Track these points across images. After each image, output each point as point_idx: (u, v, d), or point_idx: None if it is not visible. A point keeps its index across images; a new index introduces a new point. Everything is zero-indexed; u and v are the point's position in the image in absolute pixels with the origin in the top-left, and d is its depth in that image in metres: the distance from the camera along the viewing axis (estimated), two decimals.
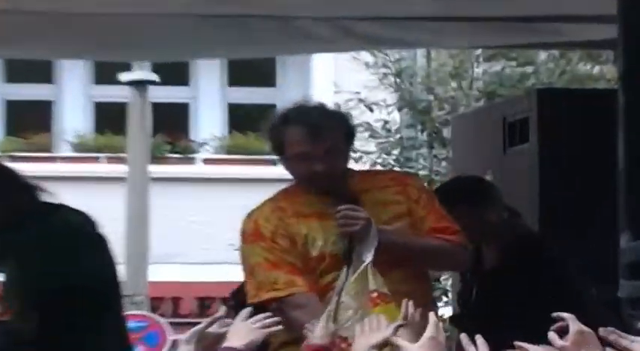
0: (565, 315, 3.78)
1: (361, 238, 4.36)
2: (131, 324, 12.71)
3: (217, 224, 14.53)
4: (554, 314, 3.78)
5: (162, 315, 14.16)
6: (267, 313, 4.14)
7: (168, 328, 12.81)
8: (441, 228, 4.57)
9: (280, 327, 4.13)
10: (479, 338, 3.63)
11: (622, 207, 4.37)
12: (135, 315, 12.99)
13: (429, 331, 3.78)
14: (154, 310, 14.04)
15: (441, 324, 3.85)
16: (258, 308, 4.27)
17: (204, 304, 15.26)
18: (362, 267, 4.30)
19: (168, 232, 14.58)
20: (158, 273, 13.79)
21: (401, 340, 3.86)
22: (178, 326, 13.53)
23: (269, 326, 4.11)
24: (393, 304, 4.17)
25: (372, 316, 4.04)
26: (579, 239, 5.16)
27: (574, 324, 3.74)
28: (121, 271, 13.75)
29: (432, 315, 3.86)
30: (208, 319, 4.18)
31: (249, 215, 4.59)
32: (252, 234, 4.55)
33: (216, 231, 14.44)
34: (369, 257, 4.32)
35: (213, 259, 14.62)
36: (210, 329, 4.12)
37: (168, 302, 15.24)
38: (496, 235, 5.24)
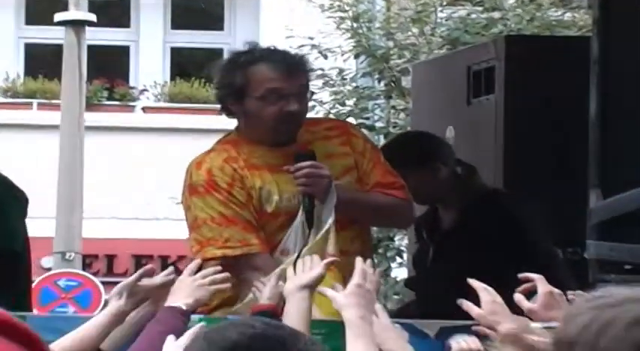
0: (533, 276, 3.81)
1: (323, 197, 4.37)
2: (62, 283, 12.78)
3: (157, 177, 14.51)
4: (521, 275, 3.81)
5: (95, 273, 14.17)
6: (217, 268, 4.14)
7: (101, 288, 12.82)
8: (387, 183, 4.58)
9: (229, 284, 4.13)
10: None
11: (592, 162, 4.40)
12: (67, 273, 13.01)
13: (355, 279, 3.83)
14: (86, 268, 14.03)
15: (370, 272, 3.89)
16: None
17: (141, 262, 15.23)
18: (326, 227, 4.32)
19: (104, 185, 14.55)
20: (92, 229, 13.77)
21: (328, 290, 3.90)
22: (112, 285, 13.56)
23: (219, 283, 4.11)
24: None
25: (306, 258, 4.08)
26: (545, 196, 5.18)
27: (543, 285, 3.78)
28: (53, 226, 13.79)
29: (358, 261, 3.90)
30: (138, 272, 4.18)
31: (198, 165, 4.52)
32: (204, 185, 4.48)
33: (156, 185, 14.42)
34: (330, 217, 4.33)
35: (151, 214, 14.62)
36: (142, 282, 4.13)
37: (103, 260, 15.23)
38: (451, 193, 5.25)
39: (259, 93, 4.46)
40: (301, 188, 4.38)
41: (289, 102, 4.44)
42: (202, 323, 3.71)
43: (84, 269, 13.61)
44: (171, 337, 3.75)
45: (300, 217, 4.38)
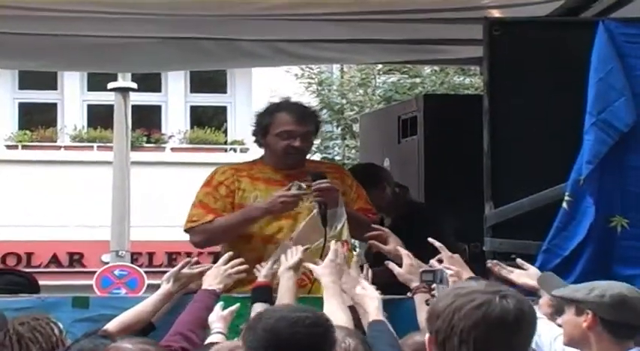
0: (436, 243, 3.86)
1: (334, 205, 4.35)
2: (117, 272, 12.67)
3: (182, 196, 14.43)
4: (430, 240, 3.86)
5: (140, 265, 14.07)
6: (241, 259, 4.11)
7: (144, 276, 12.73)
8: (366, 209, 4.61)
9: (245, 273, 4.09)
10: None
11: (486, 184, 4.38)
12: (120, 265, 12.90)
13: (329, 256, 3.83)
14: (134, 261, 13.95)
15: (340, 250, 3.88)
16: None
17: (172, 257, 15.17)
18: (341, 224, 4.27)
19: (145, 203, 14.49)
20: (137, 234, 13.69)
21: (311, 265, 3.90)
22: (152, 274, 13.45)
23: (242, 272, 4.08)
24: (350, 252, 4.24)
25: (292, 248, 4.05)
26: (455, 208, 5.16)
27: (445, 252, 3.82)
28: (109, 232, 13.63)
29: (332, 243, 3.90)
30: (181, 263, 4.13)
31: (214, 170, 4.63)
32: (206, 182, 4.58)
33: (181, 201, 14.34)
34: (343, 217, 4.30)
35: (178, 223, 14.50)
36: (184, 271, 4.08)
37: (145, 256, 15.14)
38: (391, 205, 5.24)
39: (276, 132, 4.49)
40: (318, 198, 4.34)
41: (296, 140, 4.46)
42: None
43: (132, 262, 13.52)
44: (218, 306, 3.75)
45: (313, 218, 4.31)
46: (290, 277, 3.93)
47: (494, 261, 4.00)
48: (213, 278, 4.02)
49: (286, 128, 4.46)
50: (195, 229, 4.48)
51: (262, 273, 4.06)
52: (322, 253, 4.10)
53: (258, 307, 3.75)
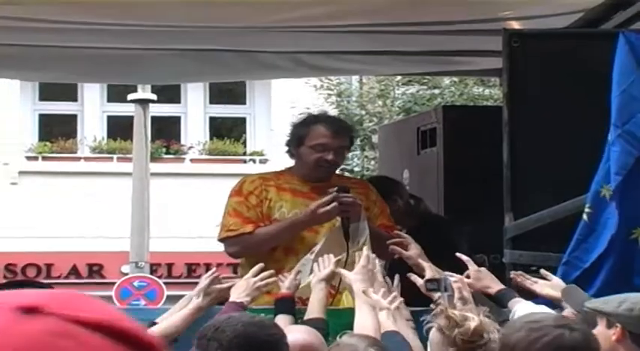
0: (463, 257, 3.83)
1: (356, 220, 4.36)
2: (136, 283, 12.71)
3: (201, 208, 14.47)
4: (457, 254, 3.85)
5: (159, 277, 14.10)
6: (271, 271, 4.10)
7: (164, 287, 12.76)
8: (388, 225, 4.60)
9: (272, 286, 4.10)
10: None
11: (506, 195, 4.38)
12: (139, 277, 12.94)
13: (361, 262, 3.83)
14: (153, 272, 13.98)
15: (372, 257, 3.89)
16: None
17: (191, 268, 15.19)
18: (364, 237, 4.28)
19: (164, 214, 14.52)
20: (156, 245, 13.72)
21: (343, 270, 3.90)
22: (171, 285, 13.48)
23: (270, 284, 4.07)
24: None
25: (324, 257, 4.05)
26: (475, 219, 5.16)
27: (471, 265, 3.80)
28: (129, 243, 13.70)
29: (365, 250, 3.91)
30: (209, 277, 4.08)
31: (240, 180, 4.63)
32: (235, 190, 4.58)
33: (200, 213, 14.38)
34: (366, 230, 4.31)
35: (197, 234, 14.56)
36: (214, 285, 4.06)
37: (164, 267, 15.17)
38: (405, 217, 5.23)
39: (311, 143, 4.50)
40: (343, 213, 4.34)
41: (329, 153, 4.46)
42: None
43: (151, 273, 13.56)
44: None
45: (335, 232, 4.31)
46: (322, 288, 3.93)
47: (519, 272, 4.00)
48: (241, 291, 4.01)
49: (321, 141, 4.46)
50: (233, 239, 4.46)
51: (285, 284, 4.07)
52: (344, 267, 4.10)
53: (281, 319, 3.75)
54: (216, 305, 4.05)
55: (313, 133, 4.48)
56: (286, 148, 4.66)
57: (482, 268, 3.90)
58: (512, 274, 3.92)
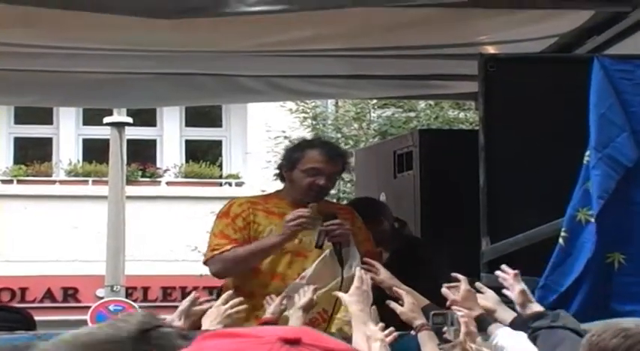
0: (459, 276, 3.83)
1: (347, 244, 4.36)
2: (112, 307, 12.63)
3: (177, 231, 14.42)
4: (453, 274, 3.85)
5: (135, 300, 14.02)
6: (240, 298, 4.07)
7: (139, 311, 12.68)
8: (373, 251, 4.61)
9: (244, 313, 4.06)
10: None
11: (482, 219, 4.38)
12: (115, 300, 12.86)
13: (355, 283, 3.82)
14: (128, 296, 13.90)
15: (365, 277, 3.88)
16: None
17: (167, 292, 15.12)
18: (355, 264, 4.26)
19: (140, 237, 14.46)
20: (132, 268, 13.65)
21: (339, 293, 3.89)
22: (147, 308, 13.40)
23: (240, 312, 4.02)
24: None
25: (304, 287, 4.04)
26: (451, 243, 5.16)
27: (465, 284, 3.80)
28: (104, 266, 13.59)
29: (358, 270, 3.90)
30: (190, 299, 4.02)
31: (228, 202, 4.63)
32: (222, 212, 4.58)
33: (177, 236, 14.33)
34: (357, 258, 4.30)
35: (174, 257, 14.51)
36: (195, 308, 4.01)
37: (140, 290, 15.08)
38: (388, 241, 5.24)
39: (305, 167, 4.48)
40: (334, 239, 4.34)
41: (322, 178, 4.45)
42: None
43: (127, 297, 13.48)
44: None
45: (328, 257, 4.31)
46: (299, 317, 3.91)
47: (450, 284, 4.02)
48: (213, 318, 3.98)
49: (315, 165, 4.46)
50: (215, 258, 4.45)
51: (270, 310, 4.05)
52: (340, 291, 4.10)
53: None
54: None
55: (307, 157, 4.48)
56: (276, 171, 4.66)
57: (473, 290, 3.91)
58: (444, 287, 3.94)
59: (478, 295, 3.87)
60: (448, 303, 3.79)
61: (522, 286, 3.75)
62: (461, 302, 3.78)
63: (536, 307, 3.68)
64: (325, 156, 4.47)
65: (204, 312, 4.02)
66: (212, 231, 4.55)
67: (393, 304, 3.90)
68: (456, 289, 3.86)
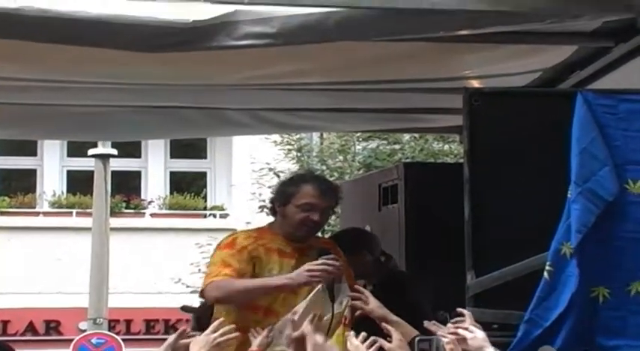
0: (464, 311, 3.84)
1: (338, 280, 4.36)
2: (94, 340, 12.54)
3: (161, 263, 14.37)
4: (459, 310, 3.86)
5: (117, 333, 13.93)
6: (232, 326, 4.04)
7: (122, 344, 12.60)
8: (355, 285, 4.59)
9: (233, 341, 4.03)
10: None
11: (467, 253, 4.38)
12: (97, 333, 12.77)
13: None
14: (111, 329, 13.81)
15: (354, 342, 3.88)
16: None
17: (150, 325, 15.04)
18: (345, 302, 4.30)
19: (124, 269, 14.40)
20: (115, 301, 13.57)
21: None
22: (130, 341, 13.31)
23: (231, 340, 3.99)
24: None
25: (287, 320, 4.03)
26: (437, 276, 5.17)
27: (469, 318, 3.81)
28: (87, 299, 13.55)
29: (348, 336, 3.89)
30: (177, 333, 4.03)
31: (231, 234, 4.59)
32: (226, 244, 4.52)
33: (161, 268, 14.28)
34: (346, 295, 4.32)
35: (157, 290, 14.45)
36: (182, 341, 3.98)
37: (122, 323, 15.00)
38: (372, 273, 5.23)
39: (299, 203, 4.48)
40: (325, 274, 4.31)
41: (315, 214, 4.45)
42: None
43: (109, 330, 13.40)
44: None
45: (320, 292, 4.30)
46: None
47: (432, 322, 4.02)
48: (201, 346, 3.95)
49: (309, 200, 4.45)
50: (217, 283, 4.37)
51: (256, 341, 4.03)
52: (329, 328, 4.09)
53: None
54: None
55: (301, 192, 4.47)
56: (269, 205, 4.65)
57: (403, 340, 3.91)
58: (426, 323, 3.95)
59: (467, 334, 3.86)
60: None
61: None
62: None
63: None
64: (319, 191, 4.47)
65: (188, 344, 3.99)
66: (213, 261, 4.48)
67: (380, 341, 3.88)
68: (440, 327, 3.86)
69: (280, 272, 4.45)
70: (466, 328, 3.86)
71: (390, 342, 3.85)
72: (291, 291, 4.42)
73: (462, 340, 3.83)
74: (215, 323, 4.05)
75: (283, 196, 4.52)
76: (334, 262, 4.33)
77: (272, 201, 4.60)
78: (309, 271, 4.29)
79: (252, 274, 4.44)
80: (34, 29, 3.71)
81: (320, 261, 4.32)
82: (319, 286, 4.31)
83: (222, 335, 3.97)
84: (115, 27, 3.73)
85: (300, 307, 4.24)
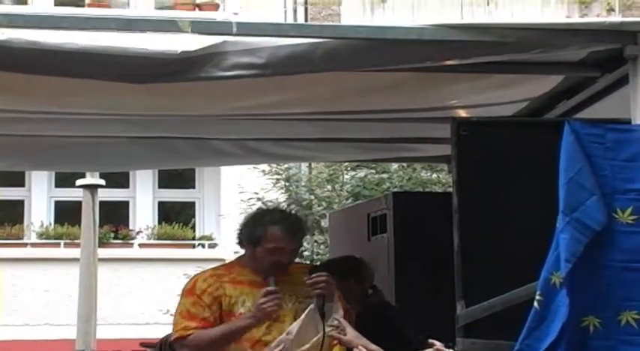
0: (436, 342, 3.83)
1: (331, 297, 4.40)
2: None
3: (150, 294, 14.31)
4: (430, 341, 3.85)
5: None
6: None
7: None
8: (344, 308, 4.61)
9: None
10: None
11: (457, 283, 4.37)
12: None
13: None
14: None
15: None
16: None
17: None
18: (338, 319, 4.31)
19: (112, 300, 14.32)
20: (104, 332, 13.47)
21: None
22: None
23: None
24: None
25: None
26: (426, 307, 5.15)
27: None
28: (75, 331, 13.50)
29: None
30: None
31: (194, 276, 4.62)
32: (187, 290, 4.56)
33: (149, 299, 14.21)
34: (339, 313, 4.36)
35: (146, 320, 14.38)
36: None
37: None
38: (357, 303, 5.21)
39: (269, 247, 4.52)
40: (318, 292, 4.37)
41: (285, 256, 4.50)
42: None
43: None
44: None
45: (311, 312, 4.33)
46: None
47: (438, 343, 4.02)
48: None
49: (278, 245, 4.50)
50: (186, 340, 4.42)
51: None
52: (321, 348, 4.10)
53: None
54: None
55: (270, 236, 4.51)
56: (237, 240, 4.65)
57: None
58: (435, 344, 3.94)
59: None
60: None
61: None
62: None
63: None
64: (288, 234, 4.51)
65: None
66: (178, 310, 4.51)
67: None
68: None
69: (254, 303, 4.44)
70: None
71: None
72: (276, 320, 4.39)
73: None
74: None
75: (251, 238, 4.55)
76: (322, 278, 4.37)
77: (239, 237, 4.61)
78: (261, 304, 4.34)
79: (220, 313, 4.43)
80: (23, 61, 3.70)
81: (265, 293, 4.37)
82: (310, 306, 4.32)
83: None
84: (104, 58, 3.73)
85: (293, 328, 4.25)
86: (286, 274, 4.54)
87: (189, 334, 4.39)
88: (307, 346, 4.18)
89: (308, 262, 11.88)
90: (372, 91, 4.65)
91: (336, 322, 4.28)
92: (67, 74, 3.85)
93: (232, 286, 4.49)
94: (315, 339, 4.19)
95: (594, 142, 4.09)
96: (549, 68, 4.49)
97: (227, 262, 4.74)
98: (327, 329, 4.27)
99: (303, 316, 4.32)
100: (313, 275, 4.40)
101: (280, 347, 4.14)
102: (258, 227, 4.53)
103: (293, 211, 4.94)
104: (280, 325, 4.39)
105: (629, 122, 4.16)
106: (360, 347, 4.04)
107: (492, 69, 4.39)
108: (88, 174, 13.14)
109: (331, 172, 13.29)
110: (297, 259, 5.30)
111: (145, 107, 4.78)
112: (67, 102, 4.60)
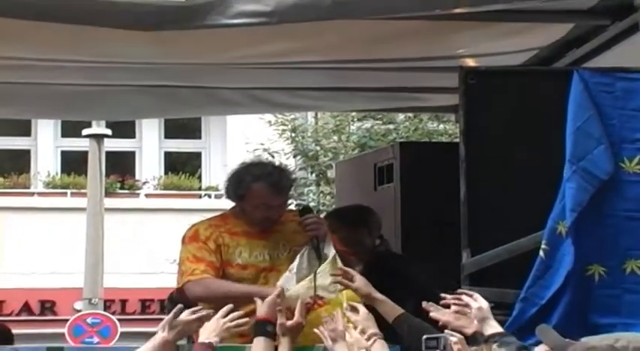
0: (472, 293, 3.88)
1: (324, 237, 4.43)
2: (90, 320, 12.56)
3: (156, 243, 14.37)
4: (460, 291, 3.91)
5: (113, 313, 13.94)
6: (240, 312, 4.07)
7: (117, 324, 12.62)
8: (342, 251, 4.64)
9: (246, 327, 4.08)
10: None
11: (463, 232, 4.38)
12: (92, 313, 12.79)
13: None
14: (106, 309, 13.82)
15: (337, 316, 3.95)
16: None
17: (145, 305, 15.06)
18: (332, 255, 4.35)
19: (119, 249, 14.40)
20: (110, 281, 13.58)
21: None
22: (125, 321, 13.33)
23: (241, 325, 4.04)
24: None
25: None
26: (432, 256, 5.17)
27: (479, 301, 3.84)
28: (83, 279, 13.57)
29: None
30: (173, 311, 4.00)
31: (192, 226, 4.61)
32: (190, 237, 4.54)
33: (155, 248, 14.28)
34: (332, 250, 4.39)
35: (152, 270, 14.46)
36: (180, 318, 3.96)
37: (118, 303, 15.02)
38: (364, 254, 5.23)
39: (254, 203, 4.51)
40: (311, 232, 4.40)
41: (272, 211, 4.50)
42: None
43: (105, 310, 13.41)
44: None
45: (307, 252, 4.38)
46: (287, 341, 4.00)
47: (430, 303, 4.04)
48: (211, 331, 3.95)
49: (263, 201, 4.49)
50: (197, 281, 4.41)
51: (262, 307, 4.10)
52: (315, 286, 4.14)
53: (259, 341, 3.81)
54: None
55: (254, 193, 4.49)
56: (225, 195, 4.68)
57: (467, 310, 3.91)
58: (424, 304, 3.97)
59: (472, 303, 3.88)
60: (441, 324, 3.81)
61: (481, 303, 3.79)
62: (454, 321, 3.78)
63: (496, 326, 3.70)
64: (271, 189, 4.49)
65: (191, 321, 3.99)
66: (182, 257, 4.50)
67: (348, 313, 3.96)
68: (440, 308, 3.87)
69: (252, 254, 4.49)
70: (471, 296, 3.88)
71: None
72: (272, 269, 4.47)
73: (463, 313, 3.83)
74: (225, 308, 4.05)
75: (236, 195, 4.55)
76: (313, 219, 4.43)
77: (226, 192, 4.62)
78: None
79: (220, 262, 4.46)
80: (29, 8, 3.69)
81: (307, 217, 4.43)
82: (305, 247, 4.37)
83: (232, 320, 3.99)
84: (112, 6, 3.71)
85: (294, 266, 4.32)
86: (279, 224, 4.55)
87: (202, 278, 4.39)
88: (308, 278, 4.25)
89: (315, 212, 11.91)
90: (380, 39, 4.63)
91: (331, 255, 4.34)
92: (74, 21, 3.83)
93: (229, 236, 4.51)
94: (308, 278, 4.26)
95: (603, 91, 4.08)
96: (559, 16, 4.46)
97: (221, 213, 4.73)
98: (330, 256, 4.33)
99: (299, 254, 4.38)
100: (304, 217, 4.42)
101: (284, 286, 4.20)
102: (241, 184, 4.51)
103: (276, 163, 4.87)
104: (277, 274, 4.42)
105: (639, 71, 4.14)
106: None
107: (501, 17, 4.37)
108: (94, 123, 13.19)
109: (337, 123, 13.27)
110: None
111: (150, 55, 4.77)
112: (72, 49, 4.59)
